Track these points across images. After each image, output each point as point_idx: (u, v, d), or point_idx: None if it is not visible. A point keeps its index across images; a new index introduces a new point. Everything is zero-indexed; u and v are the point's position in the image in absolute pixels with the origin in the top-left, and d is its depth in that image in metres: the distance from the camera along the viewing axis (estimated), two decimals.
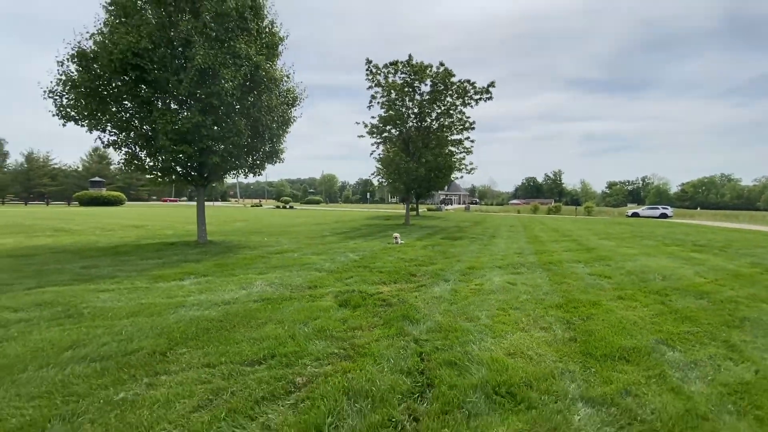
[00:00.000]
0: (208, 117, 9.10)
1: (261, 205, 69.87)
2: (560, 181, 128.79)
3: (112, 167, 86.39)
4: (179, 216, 25.69)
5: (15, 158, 78.76)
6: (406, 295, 5.40)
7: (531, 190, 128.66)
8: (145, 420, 2.33)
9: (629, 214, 48.16)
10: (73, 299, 4.85)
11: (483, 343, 3.65)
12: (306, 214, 32.81)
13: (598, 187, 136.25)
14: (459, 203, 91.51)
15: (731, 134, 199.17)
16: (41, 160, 76.79)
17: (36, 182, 73.69)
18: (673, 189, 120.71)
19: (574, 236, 15.27)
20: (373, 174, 24.26)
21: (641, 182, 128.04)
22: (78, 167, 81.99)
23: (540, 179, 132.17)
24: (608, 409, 2.56)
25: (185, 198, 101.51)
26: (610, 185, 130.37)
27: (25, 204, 58.12)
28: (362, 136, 21.24)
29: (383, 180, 25.21)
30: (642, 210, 47.92)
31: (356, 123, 21.11)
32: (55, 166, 78.46)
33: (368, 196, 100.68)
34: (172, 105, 9.67)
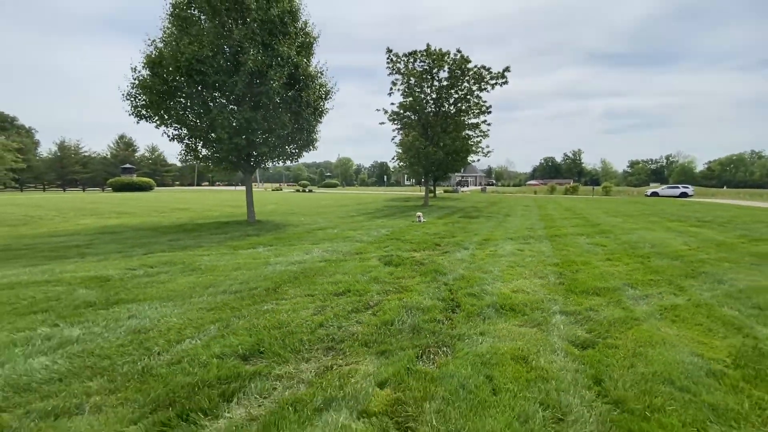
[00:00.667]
0: (258, 113, 10.57)
1: (281, 189, 71.87)
2: (580, 160, 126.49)
3: (137, 154, 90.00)
4: (213, 199, 27.69)
5: (46, 147, 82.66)
6: (435, 258, 6.84)
7: (549, 171, 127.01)
8: (286, 317, 3.86)
9: (648, 193, 47.98)
10: (186, 260, 6.50)
11: (494, 285, 5.08)
12: (327, 197, 34.44)
13: (620, 166, 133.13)
14: (475, 185, 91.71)
15: (766, 107, 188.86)
16: (73, 148, 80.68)
17: (69, 169, 77.73)
18: (700, 167, 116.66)
19: (585, 214, 16.34)
20: (393, 158, 25.50)
21: (665, 161, 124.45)
22: (106, 154, 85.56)
23: (559, 159, 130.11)
24: (575, 317, 3.96)
25: (206, 183, 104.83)
26: (632, 164, 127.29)
27: (64, 190, 61.85)
28: (383, 123, 22.47)
29: (403, 164, 26.45)
30: (662, 189, 47.65)
31: (377, 110, 22.30)
32: (86, 154, 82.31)
33: (385, 179, 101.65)
34: (224, 103, 11.15)
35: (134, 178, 55.81)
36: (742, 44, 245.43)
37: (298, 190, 63.65)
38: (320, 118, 12.84)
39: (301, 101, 11.44)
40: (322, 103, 12.67)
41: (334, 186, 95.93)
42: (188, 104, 10.82)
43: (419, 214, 13.31)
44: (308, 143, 12.98)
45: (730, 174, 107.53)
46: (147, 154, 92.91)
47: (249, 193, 12.67)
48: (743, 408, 2.36)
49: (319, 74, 12.27)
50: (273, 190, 69.30)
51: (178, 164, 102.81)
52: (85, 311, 4.06)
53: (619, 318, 3.87)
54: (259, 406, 2.40)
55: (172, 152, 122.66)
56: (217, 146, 10.93)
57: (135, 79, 10.44)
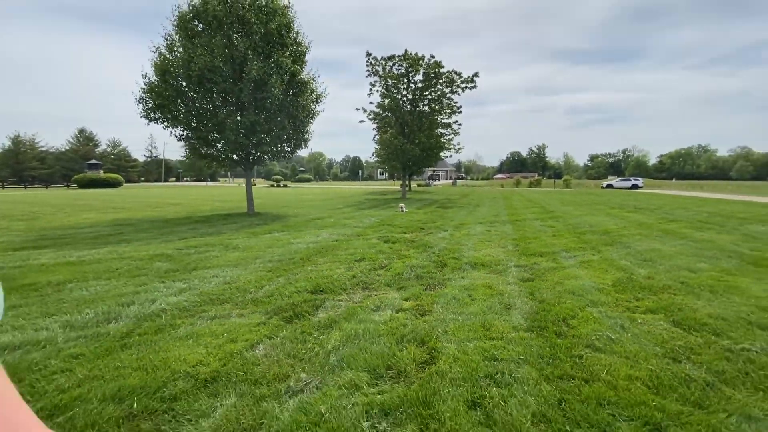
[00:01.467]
0: (261, 116, 11.92)
1: (254, 185, 71.24)
2: (544, 154, 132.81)
3: (98, 149, 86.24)
4: (194, 195, 28.25)
5: None
6: (422, 237, 8.62)
7: (516, 164, 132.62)
8: (327, 273, 5.48)
9: (604, 185, 52.27)
10: (222, 242, 7.92)
11: (469, 252, 6.91)
12: (306, 192, 35.56)
13: (582, 159, 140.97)
14: (446, 179, 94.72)
15: (718, 104, 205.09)
16: (28, 143, 76.51)
17: (25, 165, 73.75)
18: (653, 160, 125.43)
19: (543, 204, 18.72)
20: (372, 155, 27.11)
21: (622, 154, 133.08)
22: (65, 149, 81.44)
23: (524, 153, 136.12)
24: (524, 267, 5.84)
25: (173, 179, 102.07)
26: (592, 158, 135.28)
27: (25, 188, 58.84)
28: (363, 121, 24.01)
29: (380, 160, 28.16)
30: (616, 182, 52.06)
31: (356, 109, 23.76)
32: (43, 149, 78.26)
33: (360, 174, 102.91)
34: (231, 108, 12.37)
35: (101, 174, 54.13)
36: (692, 45, 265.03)
37: (272, 185, 63.79)
38: (312, 119, 14.27)
39: (297, 105, 12.85)
40: (313, 106, 14.10)
41: (307, 180, 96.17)
42: (195, 107, 11.96)
43: (402, 205, 15.07)
44: (301, 142, 14.39)
45: (679, 167, 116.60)
46: (109, 149, 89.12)
47: (248, 188, 13.98)
48: (608, 301, 4.26)
49: (312, 80, 13.69)
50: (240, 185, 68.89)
51: (141, 159, 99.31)
52: (174, 274, 5.50)
53: (552, 267, 5.80)
54: (336, 311, 4.05)
55: (138, 148, 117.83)
56: (223, 146, 12.17)
57: (146, 85, 11.49)
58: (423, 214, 13.58)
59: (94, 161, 59.80)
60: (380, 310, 4.02)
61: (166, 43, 11.81)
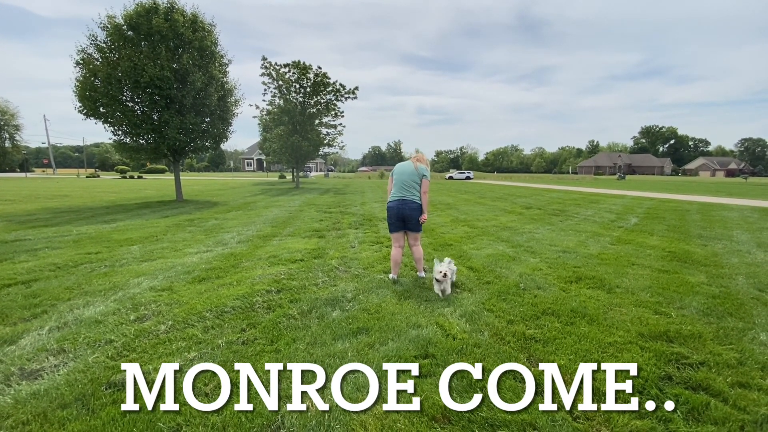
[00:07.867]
0: (199, 118, 14.37)
1: (98, 176, 61.71)
2: (400, 150, 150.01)
3: None
4: (86, 186, 25.60)
5: None
6: (344, 211, 13.21)
7: (377, 158, 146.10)
8: (311, 224, 9.65)
9: (447, 177, 65.04)
10: (193, 221, 10.90)
11: (380, 214, 11.90)
12: (187, 183, 35.07)
13: (430, 155, 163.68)
14: (317, 171, 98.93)
15: (522, 112, 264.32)
16: None
17: None
18: (481, 156, 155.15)
19: None
20: (263, 150, 29.56)
21: (459, 151, 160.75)
22: None
23: (383, 148, 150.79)
24: None
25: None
26: (438, 154, 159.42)
27: None
28: (256, 116, 26.54)
29: (270, 154, 30.84)
30: (455, 174, 65.41)
31: (249, 105, 26.04)
32: None
33: (231, 165, 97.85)
34: (173, 111, 14.25)
35: None
36: (503, 64, 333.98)
37: (124, 177, 56.85)
38: (233, 119, 16.99)
39: (226, 109, 15.58)
40: (233, 109, 16.86)
41: (161, 171, 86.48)
42: (132, 110, 13.54)
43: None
44: (223, 138, 16.94)
45: (499, 162, 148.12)
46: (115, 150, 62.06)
47: (177, 178, 15.90)
48: (448, 224, 9.81)
49: (234, 88, 16.46)
50: (88, 176, 59.05)
51: None
52: (212, 232, 8.81)
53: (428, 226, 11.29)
54: (334, 234, 8.44)
55: None
56: (156, 141, 14.09)
57: (83, 88, 12.63)
58: (329, 198, 18.05)
59: None
60: (352, 233, 8.61)
61: (95, 47, 13.00)
